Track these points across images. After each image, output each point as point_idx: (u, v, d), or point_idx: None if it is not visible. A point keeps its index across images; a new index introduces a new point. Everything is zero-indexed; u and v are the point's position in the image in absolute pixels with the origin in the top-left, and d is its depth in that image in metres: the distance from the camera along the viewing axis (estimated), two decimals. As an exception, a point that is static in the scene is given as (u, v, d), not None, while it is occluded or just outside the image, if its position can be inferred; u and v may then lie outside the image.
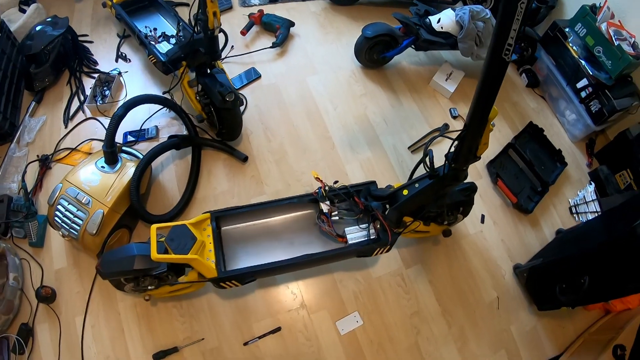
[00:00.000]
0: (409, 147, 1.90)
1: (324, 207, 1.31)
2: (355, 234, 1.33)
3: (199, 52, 1.52)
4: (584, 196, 1.88)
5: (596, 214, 1.81)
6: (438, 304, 1.59)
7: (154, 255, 1.12)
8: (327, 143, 1.88)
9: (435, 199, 1.33)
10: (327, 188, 1.33)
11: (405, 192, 1.31)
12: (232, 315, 1.47)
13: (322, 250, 1.32)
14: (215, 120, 1.68)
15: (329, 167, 1.82)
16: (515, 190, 1.83)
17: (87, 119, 1.84)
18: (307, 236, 1.38)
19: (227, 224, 1.38)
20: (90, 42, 2.08)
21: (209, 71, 1.58)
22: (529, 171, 1.90)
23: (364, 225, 1.34)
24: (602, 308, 1.66)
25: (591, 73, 1.86)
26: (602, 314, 1.66)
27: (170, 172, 1.76)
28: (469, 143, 1.10)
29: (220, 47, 1.54)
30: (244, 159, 1.76)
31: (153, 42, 1.82)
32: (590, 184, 1.91)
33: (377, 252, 1.35)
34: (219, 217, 1.33)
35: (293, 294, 1.53)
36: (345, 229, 1.33)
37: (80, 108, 1.86)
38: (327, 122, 1.94)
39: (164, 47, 1.83)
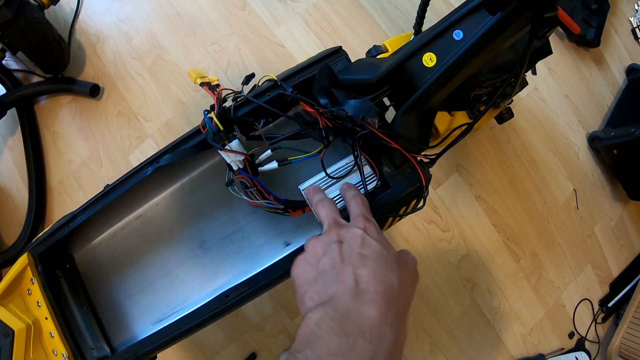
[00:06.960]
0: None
1: (230, 157, 0.51)
2: (328, 189, 0.53)
3: None
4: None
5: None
6: (496, 230, 0.97)
7: None
8: (230, 3, 0.98)
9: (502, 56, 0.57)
10: (227, 104, 0.54)
11: (430, 58, 0.53)
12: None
13: (270, 248, 0.59)
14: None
15: (246, 46, 0.96)
16: (567, 12, 1.07)
17: None
18: (229, 221, 0.61)
19: (80, 247, 0.62)
20: None
21: None
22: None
23: (342, 165, 0.54)
24: None
25: None
26: None
27: (7, 164, 0.97)
28: None
29: None
30: (91, 90, 0.91)
31: None
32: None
33: (391, 221, 0.56)
34: (50, 252, 0.57)
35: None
36: (301, 186, 0.53)
37: None
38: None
39: None
